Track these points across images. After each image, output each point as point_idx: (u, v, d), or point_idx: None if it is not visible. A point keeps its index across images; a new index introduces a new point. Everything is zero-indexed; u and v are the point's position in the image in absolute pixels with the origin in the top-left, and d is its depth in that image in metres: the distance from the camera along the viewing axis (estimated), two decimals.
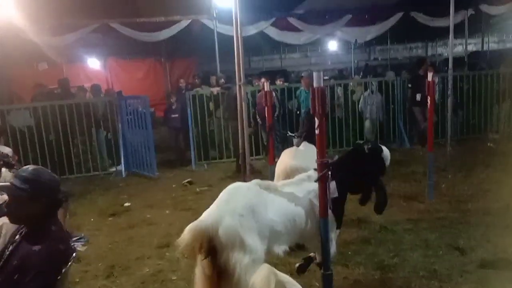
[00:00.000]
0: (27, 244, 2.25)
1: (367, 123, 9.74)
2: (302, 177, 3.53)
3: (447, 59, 16.38)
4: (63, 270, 2.27)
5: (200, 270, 2.89)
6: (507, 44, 22.16)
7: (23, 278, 2.13)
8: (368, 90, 9.73)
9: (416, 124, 9.59)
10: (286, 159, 4.44)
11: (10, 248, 2.33)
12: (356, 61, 19.61)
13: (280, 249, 3.13)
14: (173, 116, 9.53)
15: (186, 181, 7.82)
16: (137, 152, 8.73)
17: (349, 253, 4.50)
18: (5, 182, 3.25)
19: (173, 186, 7.77)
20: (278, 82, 9.78)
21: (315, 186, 3.34)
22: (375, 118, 9.71)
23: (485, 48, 19.11)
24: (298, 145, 5.09)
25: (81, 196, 7.25)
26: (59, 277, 2.24)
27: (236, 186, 3.16)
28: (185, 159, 9.38)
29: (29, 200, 2.25)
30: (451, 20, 7.79)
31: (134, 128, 8.72)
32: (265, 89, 5.22)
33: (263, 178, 6.96)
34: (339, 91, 10.09)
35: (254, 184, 3.23)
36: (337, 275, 3.81)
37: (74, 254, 2.38)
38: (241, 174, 7.04)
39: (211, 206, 2.99)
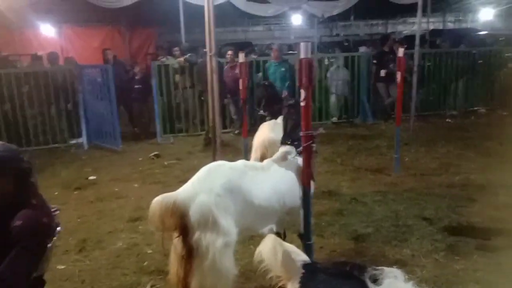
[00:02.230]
0: (8, 219, 2.09)
1: (332, 98, 9.85)
2: (280, 155, 3.49)
3: (407, 36, 16.80)
4: (48, 245, 2.15)
5: (173, 247, 2.82)
6: (462, 24, 22.95)
7: (7, 255, 1.99)
8: (335, 65, 9.80)
9: (380, 100, 9.81)
10: (264, 132, 4.42)
11: None
12: (319, 36, 19.67)
13: (266, 229, 3.12)
14: (136, 87, 9.23)
15: (153, 154, 7.65)
16: (99, 124, 8.40)
17: (323, 224, 4.59)
18: None
19: (139, 159, 7.58)
20: (253, 56, 9.67)
21: (296, 162, 3.35)
22: (340, 94, 9.82)
23: (439, 27, 19.78)
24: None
25: (41, 169, 6.90)
26: (44, 253, 2.13)
27: (218, 164, 3.08)
28: (149, 132, 9.16)
29: None
30: None
31: (96, 99, 8.36)
32: (240, 60, 5.12)
33: (232, 151, 7.00)
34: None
35: (239, 164, 3.16)
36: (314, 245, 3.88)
37: (58, 228, 2.26)
38: (209, 147, 6.96)
39: (187, 182, 2.90)
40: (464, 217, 4.57)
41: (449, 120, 9.65)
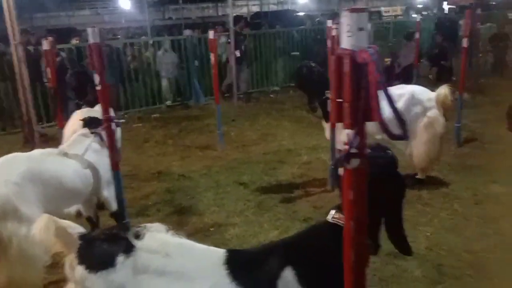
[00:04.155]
0: None
1: (164, 82, 9.96)
2: (77, 138, 3.53)
3: (235, 19, 17.67)
4: None
5: None
6: (285, 5, 25.07)
7: None
8: (162, 49, 9.88)
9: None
10: (75, 121, 4.29)
11: None
12: (151, 20, 19.40)
13: (72, 209, 3.20)
14: None
15: None
16: None
17: (150, 203, 4.76)
18: None
19: None
20: (75, 41, 9.09)
21: (92, 143, 3.43)
22: (171, 77, 9.98)
23: (266, 9, 21.35)
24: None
25: None
26: None
27: (12, 156, 3.05)
28: None
29: None
30: None
31: None
32: (45, 48, 4.87)
33: (56, 144, 6.62)
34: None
35: (35, 152, 3.18)
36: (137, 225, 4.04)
37: None
38: (30, 144, 6.48)
39: None
40: (273, 177, 5.24)
41: (272, 96, 10.66)
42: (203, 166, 5.91)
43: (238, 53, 9.68)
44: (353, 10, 1.15)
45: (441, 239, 3.60)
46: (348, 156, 1.24)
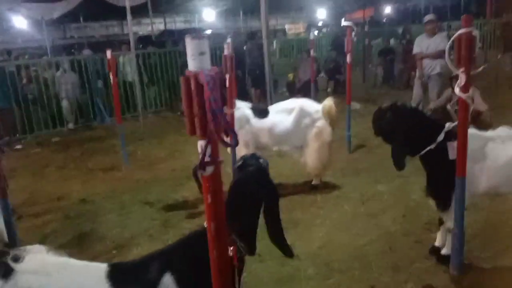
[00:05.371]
0: None
1: (64, 103, 9.53)
2: None
3: (141, 37, 17.49)
4: None
5: None
6: (192, 23, 25.34)
7: None
8: (61, 69, 9.48)
9: None
10: None
11: None
12: (51, 39, 18.41)
13: None
14: None
15: None
16: None
17: (48, 231, 4.55)
18: None
19: None
20: None
21: None
22: (72, 98, 9.60)
23: (173, 27, 21.40)
24: None
25: None
26: None
27: None
28: None
29: None
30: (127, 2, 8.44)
31: None
32: None
33: None
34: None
35: None
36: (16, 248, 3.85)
37: None
38: None
39: None
40: (180, 194, 5.29)
41: (180, 113, 10.66)
42: (107, 188, 5.78)
43: None
44: (193, 38, 1.31)
45: (332, 238, 3.93)
46: (202, 164, 1.40)
